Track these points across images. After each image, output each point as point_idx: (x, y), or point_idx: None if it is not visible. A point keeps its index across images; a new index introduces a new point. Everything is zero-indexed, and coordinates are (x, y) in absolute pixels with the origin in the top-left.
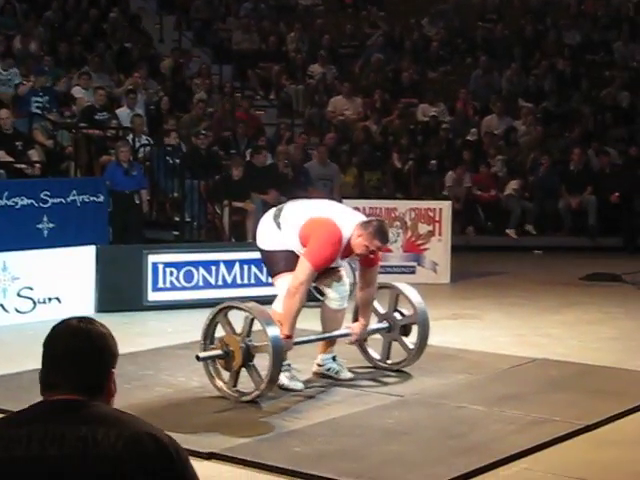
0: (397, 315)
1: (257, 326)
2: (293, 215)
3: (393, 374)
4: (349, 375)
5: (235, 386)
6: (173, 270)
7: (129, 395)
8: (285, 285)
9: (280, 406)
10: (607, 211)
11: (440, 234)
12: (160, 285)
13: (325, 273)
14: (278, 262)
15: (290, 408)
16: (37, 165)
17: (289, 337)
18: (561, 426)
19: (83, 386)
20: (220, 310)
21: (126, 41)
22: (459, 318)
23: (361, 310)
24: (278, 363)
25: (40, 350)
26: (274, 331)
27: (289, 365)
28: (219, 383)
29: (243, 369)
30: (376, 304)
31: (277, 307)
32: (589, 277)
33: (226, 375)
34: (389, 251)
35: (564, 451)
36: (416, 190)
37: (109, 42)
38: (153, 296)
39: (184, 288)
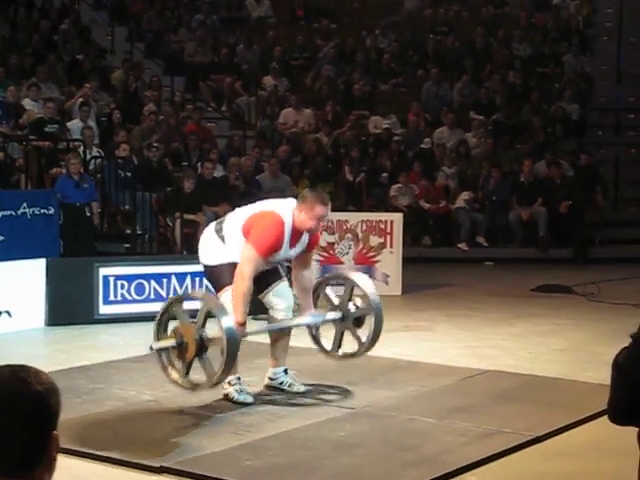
0: (351, 306)
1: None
2: (234, 223)
3: (344, 386)
4: (302, 388)
5: (187, 375)
6: (124, 283)
7: (80, 409)
8: (228, 300)
9: (231, 419)
10: (558, 222)
11: (392, 246)
12: (111, 298)
13: (269, 280)
14: (222, 275)
15: (240, 421)
16: None
17: (242, 324)
18: (511, 438)
19: (13, 466)
20: (175, 300)
21: (77, 52)
22: (410, 330)
23: (302, 298)
24: (232, 353)
25: None
26: (228, 322)
27: (238, 379)
28: (173, 374)
29: (196, 360)
30: (330, 293)
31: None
32: (540, 288)
33: (179, 364)
34: (340, 262)
35: (514, 463)
36: (368, 202)
37: (60, 53)
38: (104, 309)
39: (135, 301)
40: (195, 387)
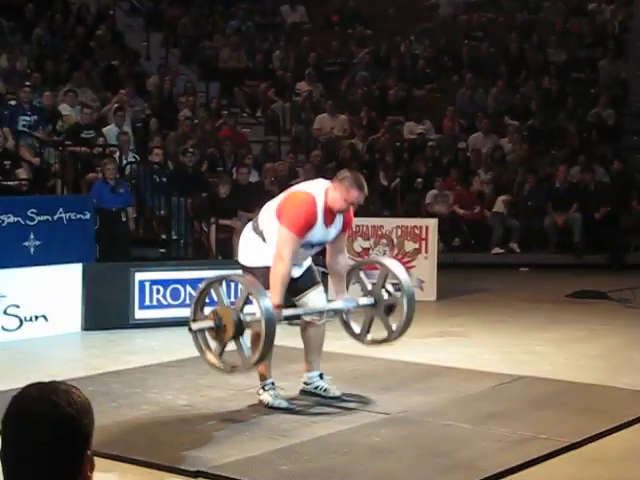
0: (384, 293)
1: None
2: (268, 212)
3: (379, 391)
4: (337, 393)
5: (221, 356)
6: (160, 288)
7: (115, 413)
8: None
9: (267, 424)
10: (593, 228)
11: (426, 251)
12: (147, 303)
13: (302, 283)
14: (258, 279)
15: (277, 426)
16: (24, 183)
17: (279, 307)
18: (547, 444)
19: None
20: (214, 281)
21: (113, 58)
22: (445, 335)
23: (335, 284)
24: (270, 336)
25: (26, 368)
26: (267, 304)
27: (272, 384)
28: (210, 356)
29: (232, 342)
30: (364, 277)
31: None
32: (575, 294)
33: (215, 345)
34: (376, 269)
35: (550, 469)
36: (402, 208)
37: (96, 59)
38: (140, 314)
39: (171, 306)
40: (232, 370)
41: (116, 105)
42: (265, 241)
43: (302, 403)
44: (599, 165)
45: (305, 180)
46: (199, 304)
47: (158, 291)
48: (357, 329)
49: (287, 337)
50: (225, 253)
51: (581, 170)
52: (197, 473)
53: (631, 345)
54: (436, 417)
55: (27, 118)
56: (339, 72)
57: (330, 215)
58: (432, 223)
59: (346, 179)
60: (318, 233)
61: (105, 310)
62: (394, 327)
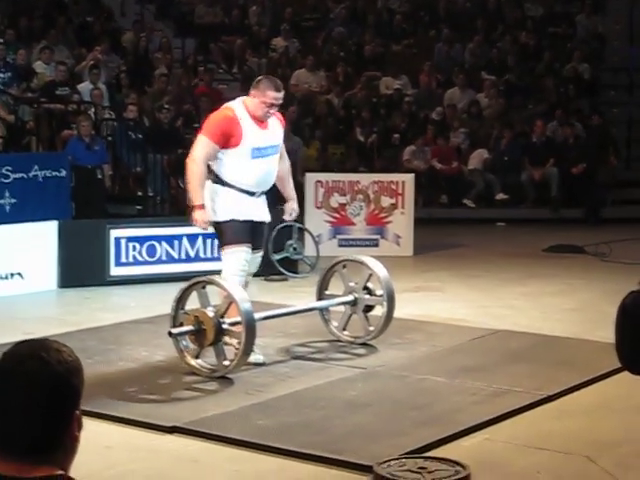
0: (365, 292)
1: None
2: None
3: (356, 346)
4: (261, 359)
5: (197, 358)
6: (136, 245)
7: (92, 370)
8: (229, 260)
9: (243, 380)
10: (570, 183)
11: (403, 207)
12: (123, 260)
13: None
14: (225, 232)
15: (253, 382)
16: None
17: (200, 206)
18: (522, 397)
19: (33, 449)
20: (194, 284)
21: (87, 15)
22: (422, 290)
23: (282, 187)
24: (250, 343)
25: (2, 325)
26: (248, 309)
27: None
28: (189, 359)
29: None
30: (345, 274)
31: (224, 274)
32: (552, 249)
33: (194, 349)
34: (352, 224)
35: (525, 421)
36: (379, 163)
37: (70, 16)
38: (116, 271)
39: (147, 262)
40: (211, 373)
41: (91, 62)
42: (221, 178)
43: (278, 359)
44: (576, 120)
45: None
46: (181, 304)
47: (134, 248)
48: (334, 324)
49: (266, 293)
50: None
51: (559, 125)
52: (173, 428)
53: (606, 299)
54: (412, 371)
55: (1, 75)
56: (315, 28)
57: (257, 121)
58: (409, 178)
59: (260, 82)
60: (257, 136)
61: (81, 267)
62: (371, 328)
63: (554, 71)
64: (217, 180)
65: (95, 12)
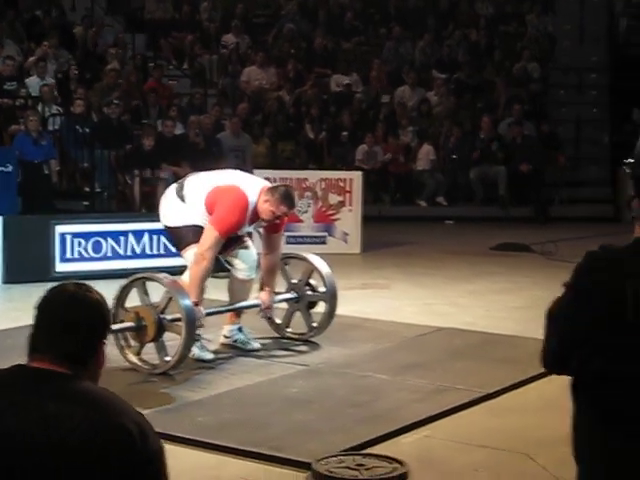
0: (307, 289)
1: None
2: (197, 187)
3: (298, 344)
4: (257, 345)
5: (139, 354)
6: (81, 241)
7: None
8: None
9: (185, 376)
10: (518, 181)
11: (351, 204)
12: (68, 256)
13: (232, 243)
14: (186, 235)
15: (195, 378)
16: None
17: (196, 304)
18: (464, 394)
19: (71, 357)
20: (137, 280)
21: (37, 9)
22: (368, 288)
23: (266, 277)
24: (190, 339)
25: None
26: (188, 305)
27: (199, 335)
28: (130, 356)
29: (152, 342)
30: (288, 271)
31: (186, 278)
32: (499, 247)
33: (135, 345)
34: (299, 221)
35: (465, 419)
36: (329, 160)
37: (19, 10)
38: (61, 267)
39: (92, 259)
40: (152, 369)
41: (39, 56)
42: (184, 202)
43: (222, 356)
44: (525, 119)
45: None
46: (121, 302)
47: (80, 244)
48: (277, 321)
49: (212, 290)
50: (149, 206)
51: (509, 123)
52: None
53: (552, 297)
54: (354, 368)
55: None
56: (266, 24)
57: (254, 217)
58: (357, 176)
59: (277, 193)
60: (247, 225)
61: (26, 263)
62: (314, 324)
63: (504, 70)
64: (181, 201)
65: (45, 6)
